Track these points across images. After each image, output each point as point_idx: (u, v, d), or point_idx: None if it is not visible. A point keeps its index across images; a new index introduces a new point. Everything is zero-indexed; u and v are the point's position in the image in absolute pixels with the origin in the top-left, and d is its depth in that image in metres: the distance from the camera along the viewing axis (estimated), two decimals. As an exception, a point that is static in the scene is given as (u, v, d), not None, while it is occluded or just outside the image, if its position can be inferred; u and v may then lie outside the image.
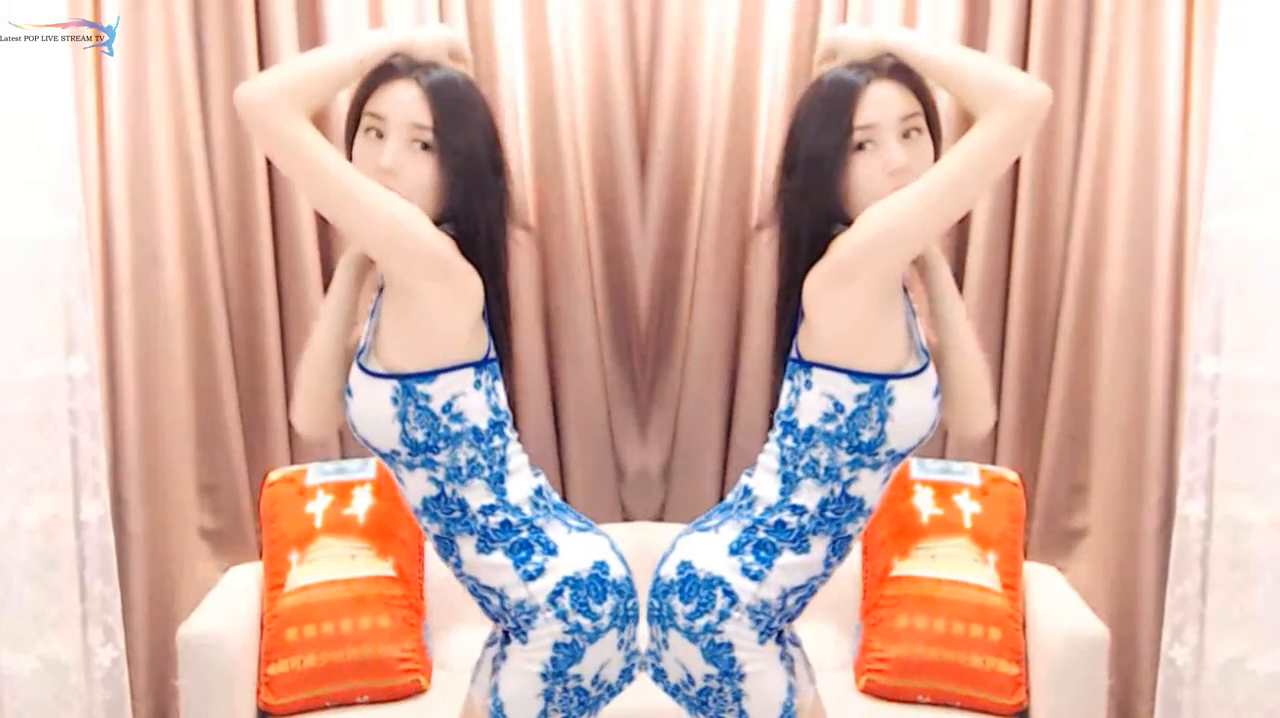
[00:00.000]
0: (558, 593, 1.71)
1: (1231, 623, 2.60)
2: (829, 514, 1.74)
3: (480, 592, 1.77)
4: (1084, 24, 2.83)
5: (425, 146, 1.67)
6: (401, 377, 1.70)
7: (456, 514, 1.74)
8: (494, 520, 1.73)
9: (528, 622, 1.72)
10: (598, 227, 2.97)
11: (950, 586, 2.65)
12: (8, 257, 2.52)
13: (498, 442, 1.75)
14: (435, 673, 2.74)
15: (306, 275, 2.88)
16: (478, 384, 1.73)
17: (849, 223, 1.68)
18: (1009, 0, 2.80)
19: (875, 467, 1.74)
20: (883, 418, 1.70)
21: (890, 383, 1.70)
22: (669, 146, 2.92)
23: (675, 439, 3.01)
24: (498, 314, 1.78)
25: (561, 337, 2.96)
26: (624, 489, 3.03)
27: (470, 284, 1.69)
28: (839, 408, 1.70)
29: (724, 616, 1.71)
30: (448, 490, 1.73)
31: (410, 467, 1.74)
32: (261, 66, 2.82)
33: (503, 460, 1.75)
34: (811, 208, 1.70)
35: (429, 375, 1.69)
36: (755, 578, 1.72)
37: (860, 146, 1.67)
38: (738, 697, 1.72)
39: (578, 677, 1.71)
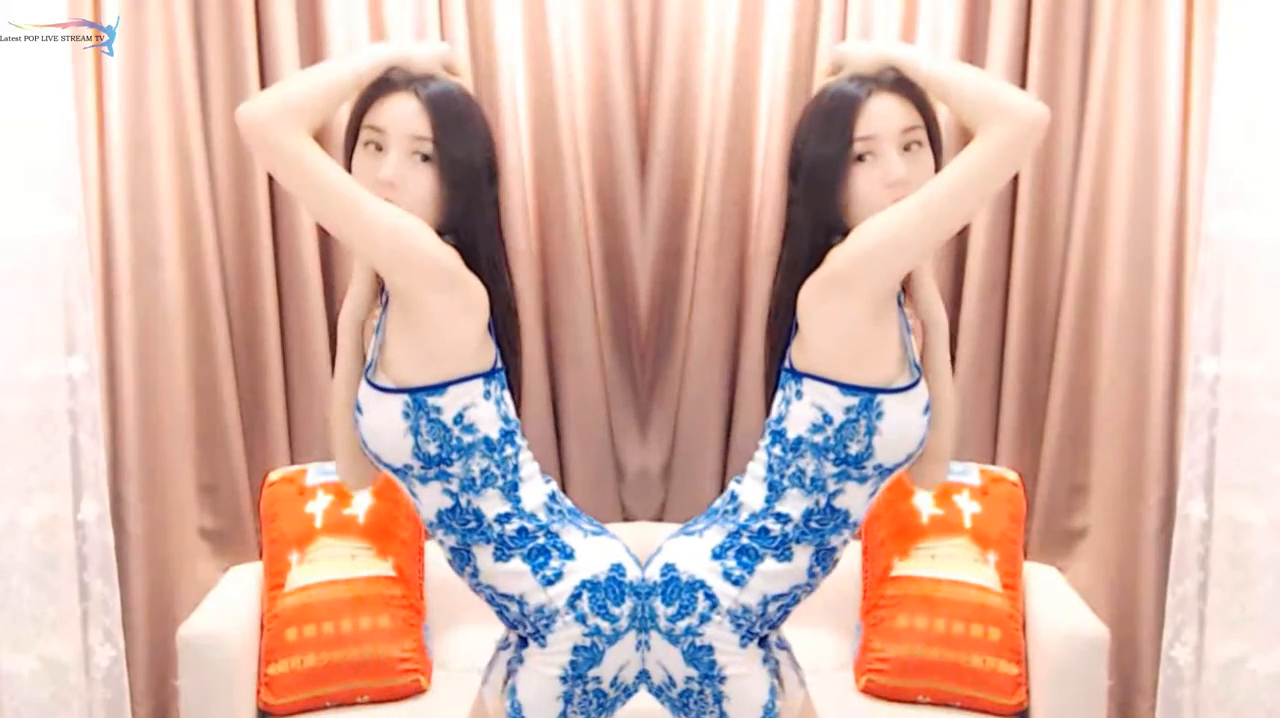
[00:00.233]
0: (576, 597, 1.71)
1: (1232, 623, 2.60)
2: (813, 525, 1.74)
3: (498, 600, 1.77)
4: (1084, 24, 2.83)
5: (425, 158, 1.67)
6: (411, 390, 1.69)
7: (472, 525, 1.74)
8: (510, 528, 1.74)
9: (547, 626, 1.72)
10: (598, 227, 2.97)
11: (950, 586, 2.65)
12: (8, 256, 2.52)
13: (510, 450, 1.75)
14: (435, 673, 2.74)
15: (306, 275, 2.88)
16: (487, 394, 1.73)
17: (847, 234, 1.68)
18: (1009, 1, 2.80)
19: (861, 480, 1.74)
20: (870, 432, 1.70)
21: (880, 397, 1.70)
22: (669, 146, 2.92)
23: (675, 439, 3.01)
24: (503, 323, 1.78)
25: (561, 337, 2.96)
26: (624, 489, 3.03)
27: (476, 294, 1.69)
28: (827, 419, 1.71)
29: (704, 618, 1.71)
30: (462, 502, 1.73)
31: (424, 480, 1.74)
32: (261, 66, 2.82)
33: (515, 469, 1.75)
34: (811, 218, 1.71)
35: (439, 388, 1.69)
36: (737, 583, 1.72)
37: (860, 158, 1.68)
38: (718, 699, 1.73)
39: (597, 679, 1.72)
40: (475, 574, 1.77)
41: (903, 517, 2.75)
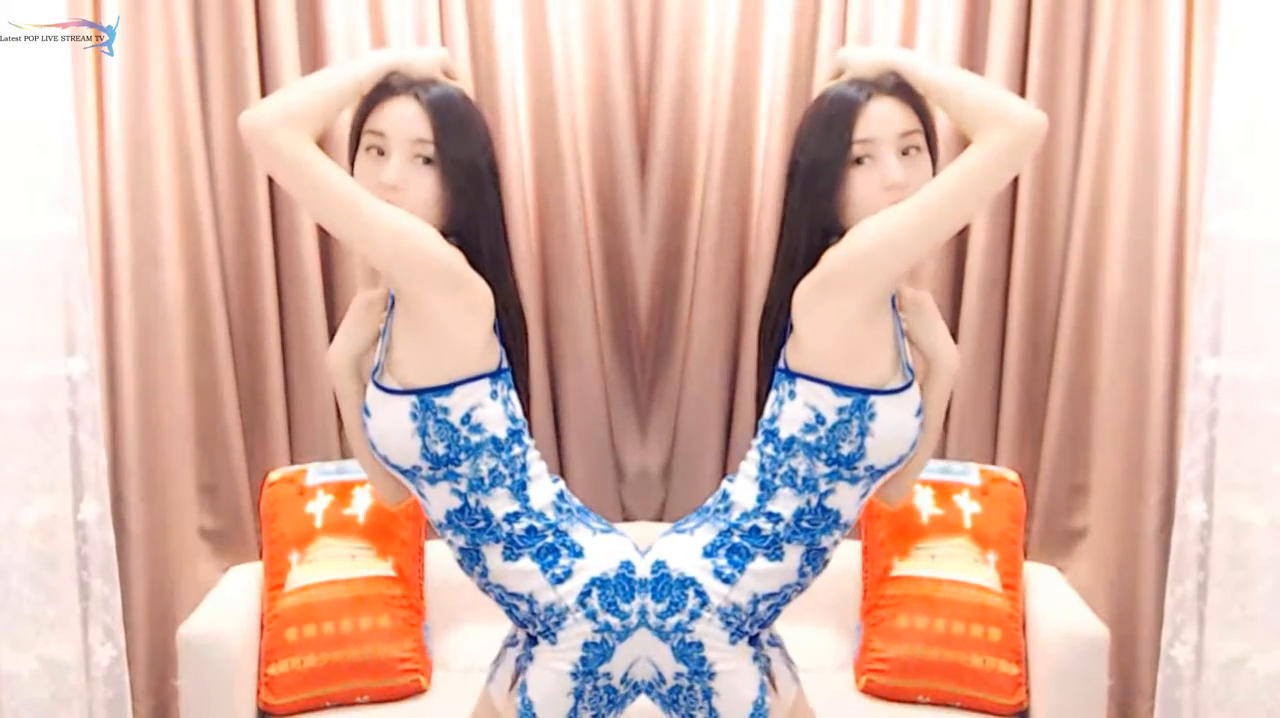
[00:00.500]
0: (586, 594, 1.72)
1: (1232, 623, 2.60)
2: (804, 524, 1.75)
3: (508, 600, 1.78)
4: (1084, 24, 2.83)
5: (427, 161, 1.69)
6: (418, 392, 1.70)
7: (481, 524, 1.75)
8: (519, 527, 1.74)
9: (557, 624, 1.73)
10: (598, 227, 2.97)
11: (950, 586, 2.65)
12: (8, 257, 2.51)
13: (517, 450, 1.76)
14: (435, 673, 2.74)
15: (306, 275, 2.88)
16: (494, 394, 1.74)
17: (843, 235, 1.69)
18: (1009, 1, 2.80)
19: (853, 481, 1.75)
20: (863, 433, 1.71)
21: (873, 398, 1.70)
22: (669, 146, 2.92)
23: (675, 439, 3.01)
24: (508, 323, 1.79)
25: (561, 337, 2.97)
26: (624, 489, 3.03)
27: (481, 294, 1.70)
28: (820, 420, 1.71)
29: (694, 615, 1.72)
30: (471, 501, 1.74)
31: (432, 481, 1.75)
32: (261, 66, 2.82)
33: (523, 468, 1.76)
34: (808, 220, 1.72)
35: (446, 389, 1.70)
36: (727, 581, 1.73)
37: (859, 161, 1.69)
38: (708, 695, 1.73)
39: (608, 675, 1.73)
40: (485, 574, 1.78)
41: (903, 517, 2.75)
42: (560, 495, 1.79)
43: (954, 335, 2.91)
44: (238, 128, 1.67)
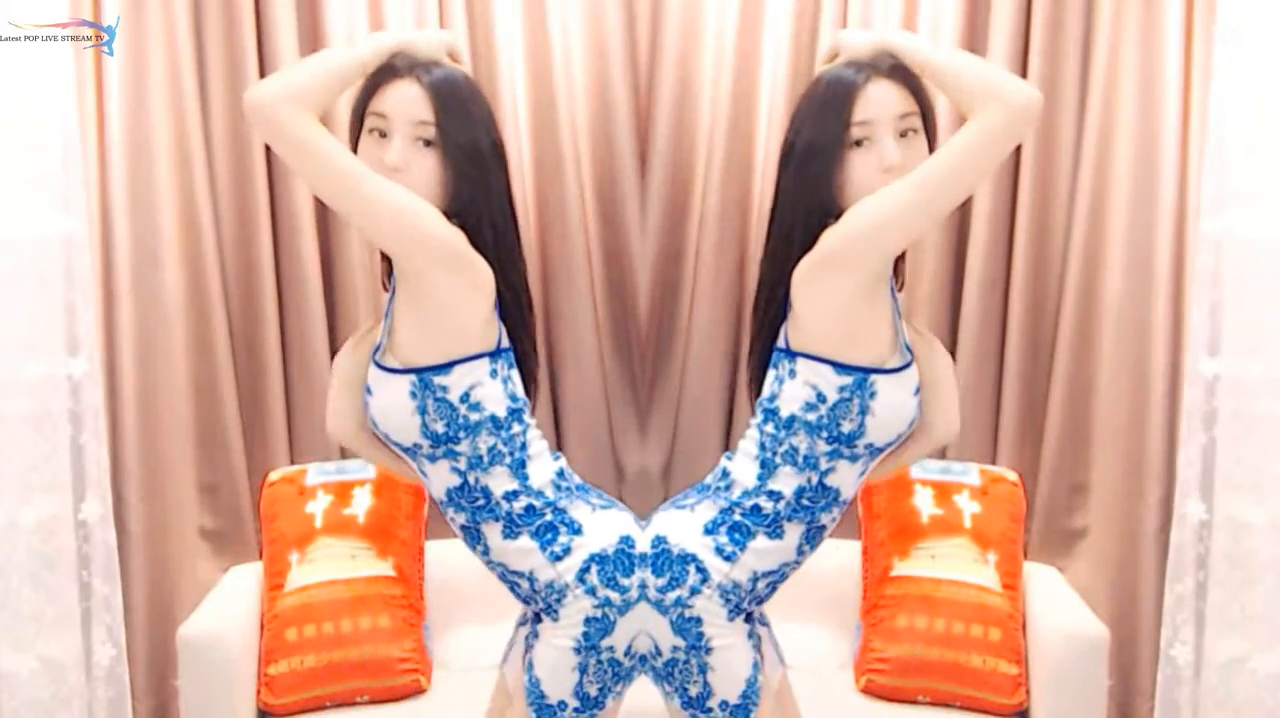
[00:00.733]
0: (585, 570, 1.74)
1: (1233, 623, 2.60)
2: (804, 502, 1.77)
3: (509, 577, 1.80)
4: (1084, 24, 2.83)
5: (428, 143, 1.70)
6: (418, 370, 1.72)
7: (481, 502, 1.77)
8: (518, 506, 1.76)
9: (558, 600, 1.75)
10: (598, 227, 2.97)
11: (950, 586, 2.65)
12: (8, 257, 2.52)
13: (517, 428, 1.78)
14: (435, 673, 2.74)
15: (306, 275, 2.88)
16: (494, 373, 1.76)
17: (840, 216, 1.71)
18: (1009, 1, 2.80)
19: (853, 459, 1.77)
20: (864, 411, 1.73)
21: (873, 377, 1.72)
22: (669, 146, 2.92)
23: (675, 439, 3.01)
24: (511, 304, 1.80)
25: (561, 337, 2.97)
26: (624, 489, 3.03)
27: (482, 273, 1.72)
28: (821, 398, 1.73)
29: (695, 591, 1.74)
30: (470, 479, 1.76)
31: (433, 459, 1.77)
32: (261, 66, 2.82)
33: (523, 447, 1.78)
34: (806, 201, 1.74)
35: (445, 368, 1.72)
36: (728, 559, 1.75)
37: (857, 143, 1.71)
38: (703, 669, 1.76)
39: (610, 649, 1.75)
40: (486, 552, 1.80)
41: (903, 517, 2.75)
42: (560, 473, 1.81)
43: (954, 335, 2.93)
44: (242, 111, 1.68)
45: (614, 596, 1.74)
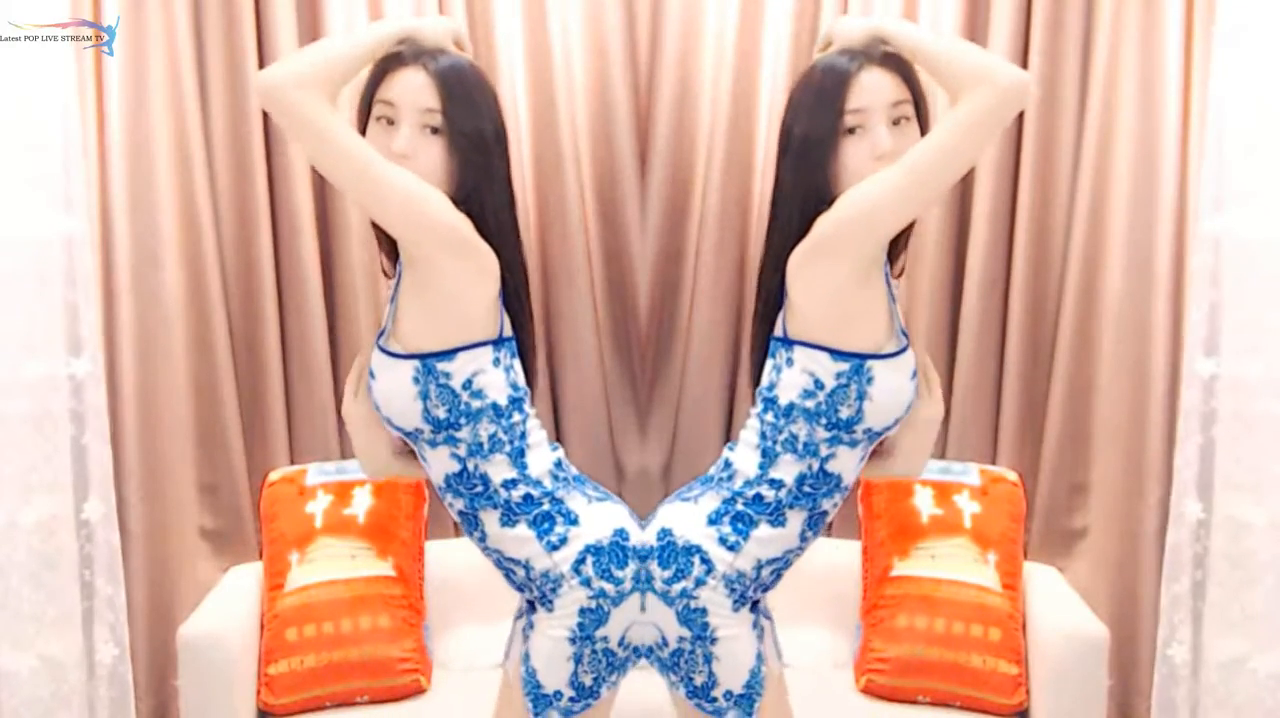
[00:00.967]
0: (581, 561, 1.76)
1: (1232, 623, 2.60)
2: (806, 489, 1.78)
3: (505, 564, 1.82)
4: (1084, 24, 2.83)
5: (435, 131, 1.73)
6: (421, 356, 1.74)
7: (479, 489, 1.79)
8: (516, 494, 1.78)
9: (553, 590, 1.77)
10: (598, 227, 2.97)
11: (950, 586, 2.65)
12: (8, 257, 2.52)
13: (517, 417, 1.80)
14: (435, 673, 2.74)
15: (306, 275, 2.88)
16: (496, 362, 1.78)
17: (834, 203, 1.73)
18: (1009, 1, 2.80)
19: (853, 444, 1.78)
20: (861, 397, 1.74)
21: (870, 363, 1.74)
22: (669, 146, 2.92)
23: (675, 439, 3.01)
24: (513, 293, 1.82)
25: (561, 337, 2.97)
26: (624, 489, 3.03)
27: (489, 260, 1.74)
28: (819, 385, 1.75)
29: (700, 582, 1.76)
30: (470, 466, 1.78)
31: (433, 444, 1.79)
32: (261, 66, 2.81)
33: (523, 435, 1.80)
34: (801, 189, 1.76)
35: (448, 354, 1.74)
36: (732, 548, 1.77)
37: (851, 131, 1.73)
38: (708, 659, 1.77)
39: (605, 639, 1.77)
40: (483, 538, 1.82)
41: (903, 517, 2.75)
42: (558, 463, 1.84)
43: (954, 335, 2.94)
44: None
45: (608, 587, 1.75)
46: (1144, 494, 2.84)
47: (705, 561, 1.76)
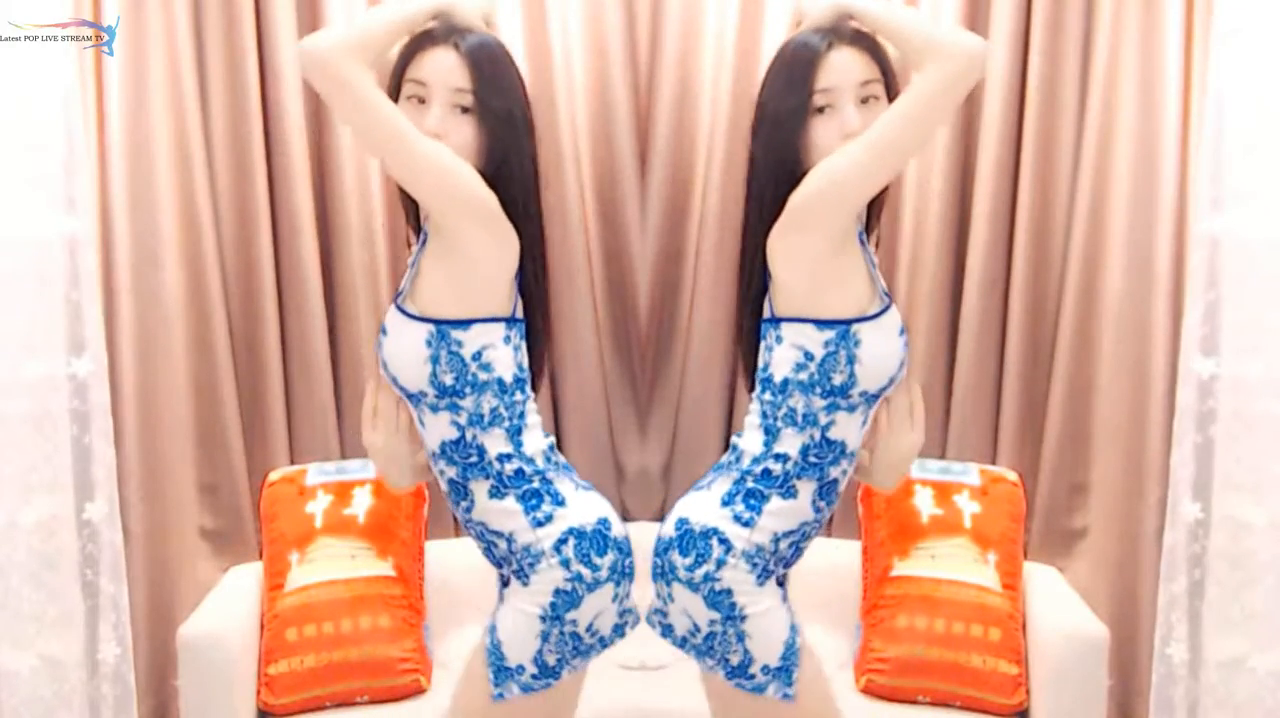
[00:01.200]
0: (563, 541, 1.79)
1: (1232, 622, 2.60)
2: (812, 459, 1.82)
3: (488, 537, 1.85)
4: (1084, 24, 2.83)
5: (465, 110, 1.77)
6: (437, 321, 1.79)
7: (474, 459, 1.82)
8: (509, 468, 1.82)
9: (531, 566, 1.80)
10: (598, 227, 2.97)
11: (950, 586, 2.65)
12: (8, 257, 2.52)
13: (519, 397, 1.84)
14: (435, 673, 2.74)
15: (306, 275, 2.88)
16: (507, 339, 1.83)
17: None
18: (1009, 1, 2.80)
19: (851, 409, 1.82)
20: (851, 361, 1.79)
21: (855, 327, 1.79)
22: (669, 146, 2.92)
23: (675, 439, 3.02)
24: (531, 276, 1.87)
25: (561, 336, 2.96)
26: (624, 489, 3.03)
27: (511, 237, 1.79)
28: (809, 357, 1.80)
29: (721, 563, 1.79)
30: (468, 436, 1.82)
31: (435, 409, 1.82)
32: (261, 66, 2.82)
33: (521, 415, 1.84)
34: (774, 167, 1.81)
35: (464, 323, 1.79)
36: (747, 524, 1.80)
37: (820, 110, 1.78)
38: (741, 638, 1.80)
39: (574, 622, 1.79)
40: (469, 509, 1.85)
41: (903, 517, 2.75)
42: (551, 448, 1.88)
43: (954, 335, 2.94)
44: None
45: (585, 572, 1.78)
46: (1144, 494, 2.84)
47: (723, 541, 1.79)
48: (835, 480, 1.86)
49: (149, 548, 2.85)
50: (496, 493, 1.82)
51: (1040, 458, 2.94)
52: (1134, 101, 2.79)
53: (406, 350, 1.80)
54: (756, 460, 1.83)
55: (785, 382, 1.82)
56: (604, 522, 1.83)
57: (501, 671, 1.81)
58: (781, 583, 1.87)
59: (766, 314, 1.87)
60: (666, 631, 1.87)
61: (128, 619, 2.70)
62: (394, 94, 1.81)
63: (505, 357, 1.82)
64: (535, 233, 1.86)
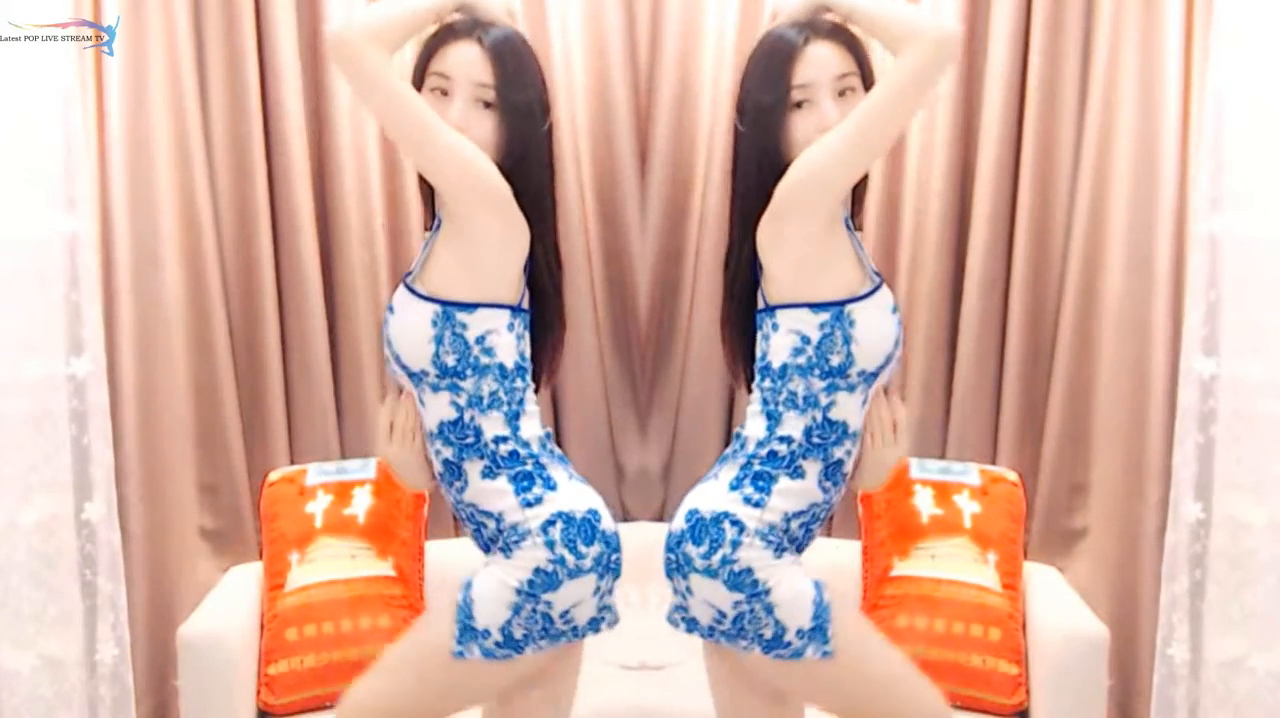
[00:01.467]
0: (550, 523, 1.81)
1: (1232, 622, 2.60)
2: (815, 440, 1.85)
3: (478, 517, 1.87)
4: (1084, 24, 2.83)
5: (487, 105, 1.81)
6: (444, 302, 1.82)
7: (470, 440, 1.85)
8: (504, 448, 1.85)
9: (517, 542, 1.81)
10: (598, 227, 2.97)
11: (950, 586, 2.65)
12: (8, 257, 2.52)
13: (519, 384, 1.87)
14: (435, 673, 2.73)
15: (306, 275, 2.88)
16: (510, 327, 1.86)
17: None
18: (1009, 1, 2.80)
19: (850, 389, 1.85)
20: (847, 340, 1.82)
21: (848, 307, 1.82)
22: (669, 146, 2.92)
23: (675, 439, 3.02)
24: (543, 266, 1.90)
25: (561, 336, 2.97)
26: (624, 489, 3.04)
27: (522, 228, 1.82)
28: (805, 340, 1.83)
29: (736, 544, 1.80)
30: (466, 417, 1.84)
31: (435, 389, 1.85)
32: (261, 66, 2.82)
33: (521, 402, 1.87)
34: (756, 161, 1.84)
35: (470, 306, 1.82)
36: (757, 505, 1.82)
37: (799, 105, 1.82)
38: (770, 610, 1.81)
39: (549, 604, 1.81)
40: (462, 490, 1.87)
41: (903, 517, 2.75)
42: (547, 436, 1.90)
43: (954, 335, 2.94)
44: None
45: (569, 557, 1.80)
46: (1144, 494, 2.84)
47: (735, 522, 1.81)
48: (840, 461, 1.88)
49: (149, 548, 2.85)
50: (489, 473, 1.84)
51: (1040, 458, 2.94)
52: (1134, 101, 2.79)
53: (411, 329, 1.83)
54: (761, 444, 1.86)
55: (784, 367, 1.84)
56: (594, 513, 1.84)
57: (467, 630, 1.82)
58: (799, 552, 1.89)
59: (760, 305, 1.89)
60: (691, 625, 1.87)
61: (125, 620, 2.71)
62: (418, 85, 1.85)
63: (508, 343, 1.85)
64: (546, 226, 1.89)
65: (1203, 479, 2.65)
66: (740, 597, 1.80)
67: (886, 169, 2.91)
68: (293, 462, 2.93)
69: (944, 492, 2.76)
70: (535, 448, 1.87)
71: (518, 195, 1.81)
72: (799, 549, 1.89)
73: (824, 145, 1.77)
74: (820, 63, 1.81)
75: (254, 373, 2.93)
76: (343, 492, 2.75)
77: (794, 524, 1.85)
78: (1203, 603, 2.65)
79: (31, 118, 2.52)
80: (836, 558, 2.84)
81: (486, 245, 1.81)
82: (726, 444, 2.96)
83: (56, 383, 2.58)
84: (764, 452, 1.85)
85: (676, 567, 1.85)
